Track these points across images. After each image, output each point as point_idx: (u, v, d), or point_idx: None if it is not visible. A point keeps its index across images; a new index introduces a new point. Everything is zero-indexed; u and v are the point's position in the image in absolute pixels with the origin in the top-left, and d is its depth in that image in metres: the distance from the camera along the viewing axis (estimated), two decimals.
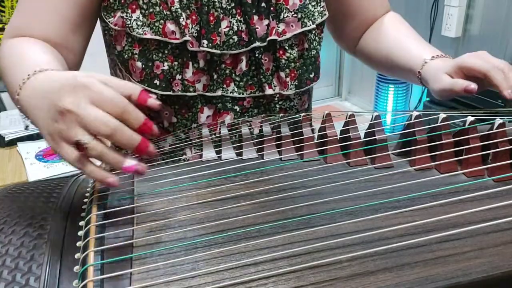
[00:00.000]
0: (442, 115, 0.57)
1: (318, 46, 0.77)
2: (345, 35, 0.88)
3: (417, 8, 2.46)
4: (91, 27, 0.73)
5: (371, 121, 0.59)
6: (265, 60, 0.72)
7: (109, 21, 0.69)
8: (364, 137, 0.59)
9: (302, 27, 0.72)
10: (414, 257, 0.42)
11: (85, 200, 0.51)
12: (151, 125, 0.47)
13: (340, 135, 0.60)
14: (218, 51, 0.69)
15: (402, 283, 0.40)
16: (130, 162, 0.46)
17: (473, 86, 0.62)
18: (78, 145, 0.45)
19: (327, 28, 0.88)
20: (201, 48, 0.68)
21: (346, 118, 0.60)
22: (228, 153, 0.59)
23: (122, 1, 0.68)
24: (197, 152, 0.63)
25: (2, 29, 1.77)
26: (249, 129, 0.63)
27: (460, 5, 2.17)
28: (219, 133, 0.63)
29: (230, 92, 0.73)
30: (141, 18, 0.67)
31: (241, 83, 0.73)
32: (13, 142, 1.51)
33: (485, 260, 0.42)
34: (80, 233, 0.45)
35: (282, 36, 0.71)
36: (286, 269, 0.41)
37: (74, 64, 0.72)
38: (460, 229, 0.44)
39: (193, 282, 0.40)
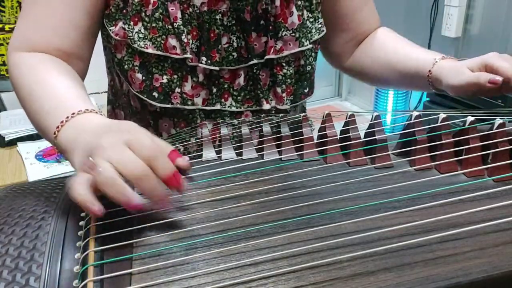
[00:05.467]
0: (442, 115, 0.57)
1: (313, 62, 0.77)
2: (334, 49, 0.87)
3: (417, 8, 2.46)
4: (97, 34, 0.72)
5: (371, 121, 0.59)
6: (263, 75, 0.73)
7: (110, 30, 0.68)
8: (364, 137, 0.59)
9: (299, 46, 0.73)
10: (414, 257, 0.42)
11: None
12: (179, 178, 0.45)
13: (340, 135, 0.60)
14: (217, 68, 0.69)
15: (402, 283, 0.40)
16: (138, 200, 0.43)
17: (498, 78, 0.62)
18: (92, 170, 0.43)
19: None
20: (200, 65, 0.69)
21: (346, 118, 0.60)
22: (228, 153, 0.59)
23: (124, 11, 0.67)
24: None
25: (2, 29, 1.77)
26: (249, 129, 0.63)
27: (460, 5, 2.17)
28: (219, 133, 0.63)
29: (228, 106, 0.73)
30: (142, 31, 0.67)
31: (239, 97, 0.73)
32: (13, 142, 1.51)
33: (485, 260, 0.42)
34: (80, 233, 0.45)
35: (279, 54, 0.72)
36: (286, 269, 0.41)
37: (83, 71, 0.71)
38: (460, 229, 0.44)
39: (193, 282, 0.40)
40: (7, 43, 1.77)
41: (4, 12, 1.76)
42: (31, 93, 0.60)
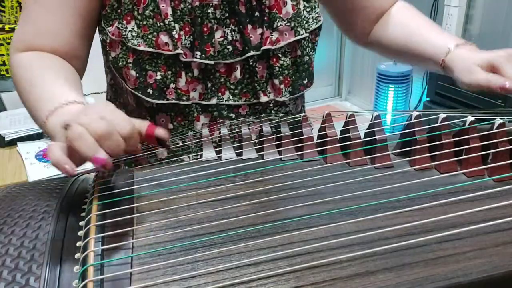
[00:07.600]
0: (442, 115, 0.57)
1: (311, 52, 0.77)
2: (353, 29, 0.88)
3: (417, 8, 2.46)
4: (94, 33, 0.74)
5: (371, 121, 0.59)
6: (259, 68, 0.73)
7: (108, 30, 0.69)
8: (364, 137, 0.59)
9: (295, 36, 0.73)
10: (414, 257, 0.42)
11: (85, 200, 0.51)
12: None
13: (340, 135, 0.60)
14: (212, 62, 0.70)
15: (402, 283, 0.40)
16: (102, 154, 0.46)
17: (508, 85, 0.62)
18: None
19: (334, 23, 0.89)
20: (194, 60, 0.69)
21: (346, 118, 0.60)
22: (228, 153, 0.59)
23: (119, 11, 0.68)
24: (195, 159, 0.64)
25: (2, 29, 1.77)
26: (249, 129, 0.63)
27: (460, 5, 2.17)
28: (219, 133, 0.63)
29: (225, 100, 0.73)
30: (135, 29, 0.68)
31: (236, 91, 0.73)
32: (13, 142, 1.51)
33: (485, 260, 0.42)
34: (80, 233, 0.45)
35: (275, 45, 0.72)
36: (286, 269, 0.41)
37: (81, 69, 0.73)
38: (460, 229, 0.44)
39: (193, 282, 0.40)
40: (7, 43, 1.77)
41: (4, 12, 1.76)
42: (29, 89, 0.64)
